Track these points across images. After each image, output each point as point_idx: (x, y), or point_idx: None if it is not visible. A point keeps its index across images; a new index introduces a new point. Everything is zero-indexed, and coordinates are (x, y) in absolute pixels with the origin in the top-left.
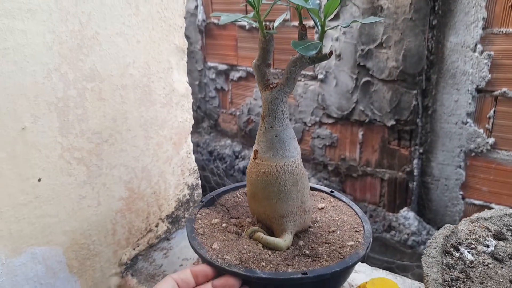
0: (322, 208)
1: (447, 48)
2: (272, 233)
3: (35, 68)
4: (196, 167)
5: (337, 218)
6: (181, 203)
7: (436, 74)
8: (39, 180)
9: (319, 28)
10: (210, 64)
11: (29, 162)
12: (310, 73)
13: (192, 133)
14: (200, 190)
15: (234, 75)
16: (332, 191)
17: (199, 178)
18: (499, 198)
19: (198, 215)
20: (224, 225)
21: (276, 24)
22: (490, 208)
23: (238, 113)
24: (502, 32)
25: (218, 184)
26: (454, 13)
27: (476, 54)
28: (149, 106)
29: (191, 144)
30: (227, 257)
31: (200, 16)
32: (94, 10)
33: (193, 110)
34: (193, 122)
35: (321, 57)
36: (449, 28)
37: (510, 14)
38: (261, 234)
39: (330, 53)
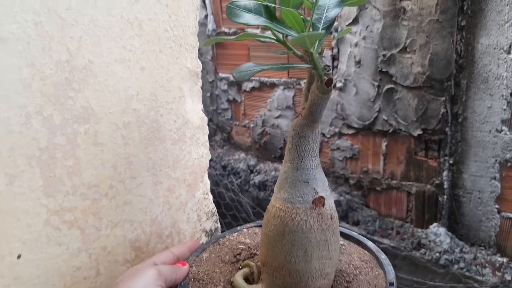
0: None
1: (478, 51)
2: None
3: (8, 114)
4: (215, 208)
5: None
6: None
7: (466, 79)
8: (19, 256)
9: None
10: (221, 75)
11: (5, 236)
12: None
13: None
14: (219, 233)
15: (247, 85)
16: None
17: (218, 221)
18: None
19: (241, 230)
20: (241, 246)
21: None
22: None
23: (252, 125)
24: None
25: (232, 201)
26: (485, 12)
27: (511, 56)
28: (158, 145)
29: (209, 183)
30: (193, 268)
31: (210, 25)
32: (86, 34)
33: None
34: (210, 157)
35: (319, 87)
36: (480, 29)
37: None
38: (243, 271)
39: (329, 81)
